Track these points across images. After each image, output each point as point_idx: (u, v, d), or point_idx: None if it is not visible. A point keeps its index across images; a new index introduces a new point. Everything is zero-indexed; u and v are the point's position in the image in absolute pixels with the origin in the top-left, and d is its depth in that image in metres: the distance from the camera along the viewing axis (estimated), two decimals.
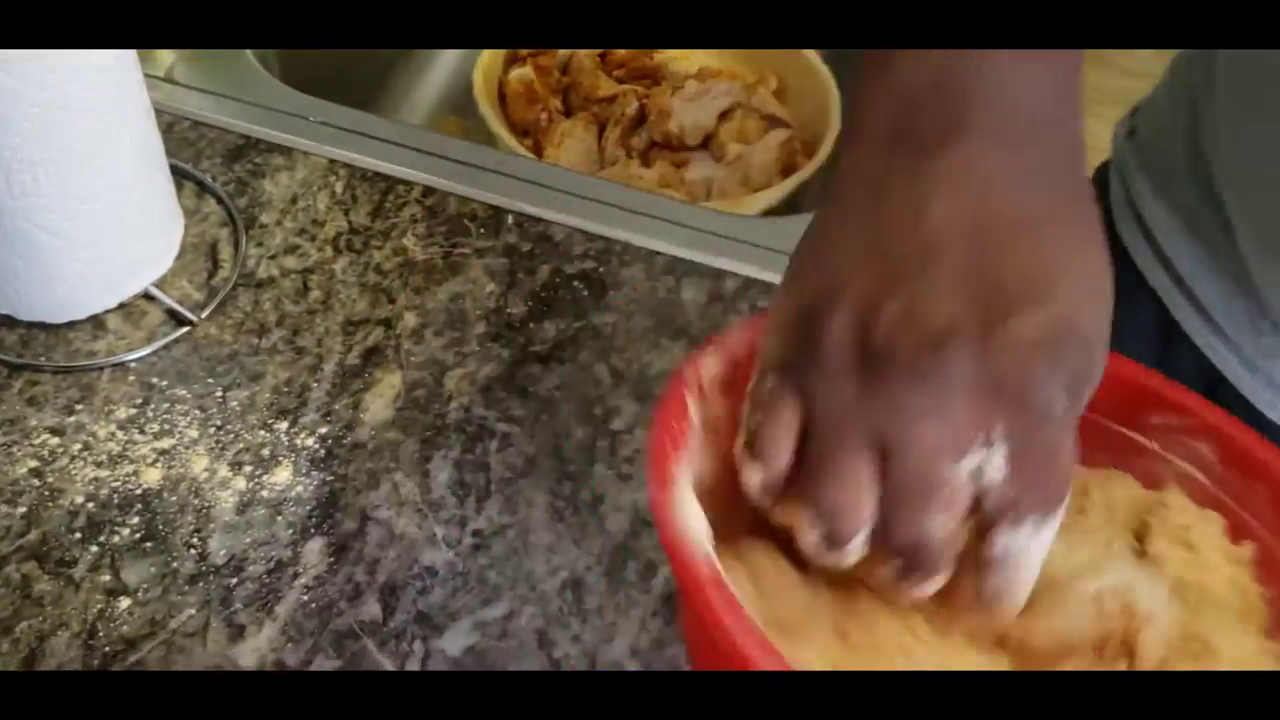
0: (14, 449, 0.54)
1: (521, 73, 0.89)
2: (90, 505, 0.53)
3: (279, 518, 0.53)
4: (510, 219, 0.67)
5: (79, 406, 0.56)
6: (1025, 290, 0.33)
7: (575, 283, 0.64)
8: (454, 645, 0.50)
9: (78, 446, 0.55)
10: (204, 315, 0.60)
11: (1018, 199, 0.34)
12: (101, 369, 0.58)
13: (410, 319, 0.61)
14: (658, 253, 0.66)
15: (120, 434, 0.55)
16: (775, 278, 0.65)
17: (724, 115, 0.88)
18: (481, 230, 0.66)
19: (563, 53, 0.91)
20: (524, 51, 0.90)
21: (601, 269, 0.65)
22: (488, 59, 0.87)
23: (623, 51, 0.92)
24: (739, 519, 0.40)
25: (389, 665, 0.49)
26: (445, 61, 0.97)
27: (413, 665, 0.50)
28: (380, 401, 0.58)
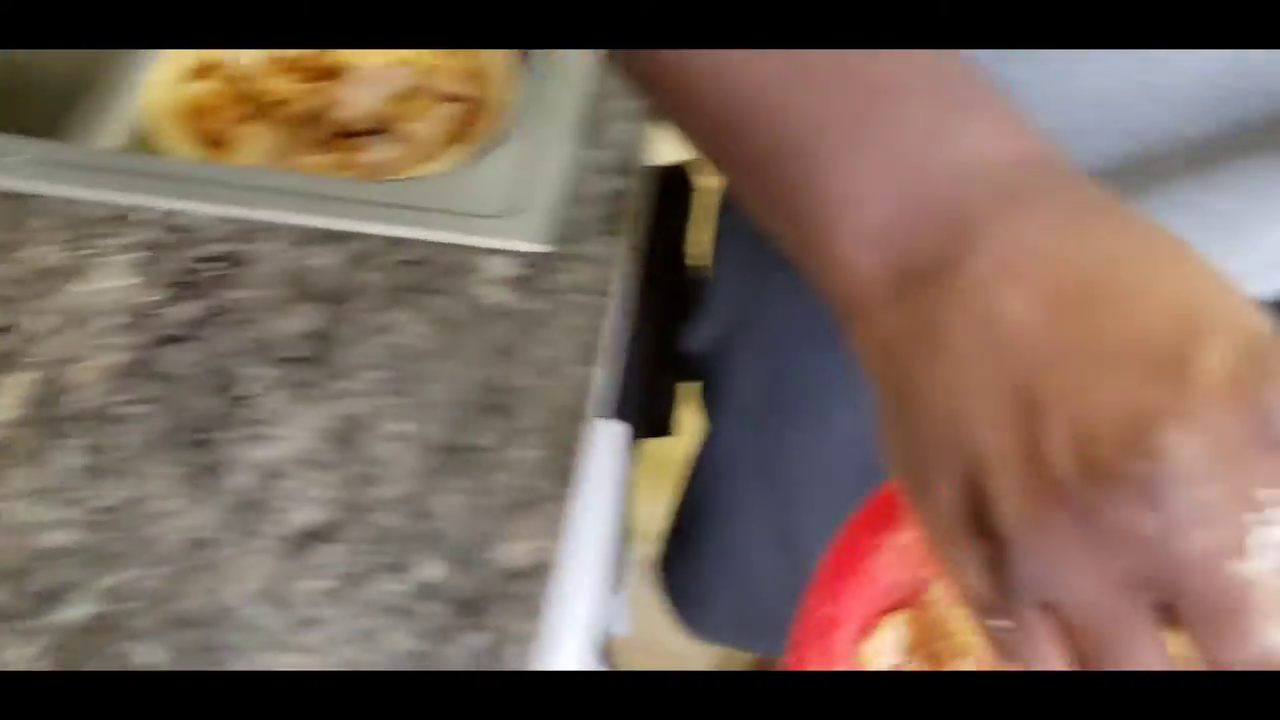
0: None
1: (201, 85, 0.90)
2: None
3: None
4: (147, 215, 0.68)
5: None
6: (1178, 328, 0.28)
7: (212, 265, 0.66)
8: (76, 613, 0.52)
9: None
10: None
11: (1082, 246, 0.30)
12: None
13: (41, 322, 0.63)
14: (294, 226, 0.68)
15: None
16: (408, 232, 0.68)
17: (401, 99, 0.90)
18: (118, 229, 0.67)
19: (242, 61, 0.93)
20: (201, 64, 0.91)
21: (239, 249, 0.67)
22: (164, 74, 0.89)
23: (302, 53, 0.94)
24: None
25: (9, 639, 0.51)
26: (138, 85, 0.98)
27: (38, 639, 0.51)
28: (7, 402, 0.59)
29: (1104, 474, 0.27)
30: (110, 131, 0.95)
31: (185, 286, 0.65)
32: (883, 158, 0.33)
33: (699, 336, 0.80)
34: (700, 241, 0.86)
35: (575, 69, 0.79)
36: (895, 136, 0.33)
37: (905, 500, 0.32)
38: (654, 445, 0.91)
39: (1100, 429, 0.27)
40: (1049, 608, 0.29)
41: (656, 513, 0.95)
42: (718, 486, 0.81)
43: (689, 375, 0.85)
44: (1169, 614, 0.28)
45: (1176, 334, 0.28)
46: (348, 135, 0.88)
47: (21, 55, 0.87)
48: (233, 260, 0.66)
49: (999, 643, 0.30)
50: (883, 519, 0.39)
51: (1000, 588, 0.29)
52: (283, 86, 0.90)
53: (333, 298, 0.65)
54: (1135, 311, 0.28)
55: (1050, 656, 0.29)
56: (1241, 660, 0.27)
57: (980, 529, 0.29)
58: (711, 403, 0.80)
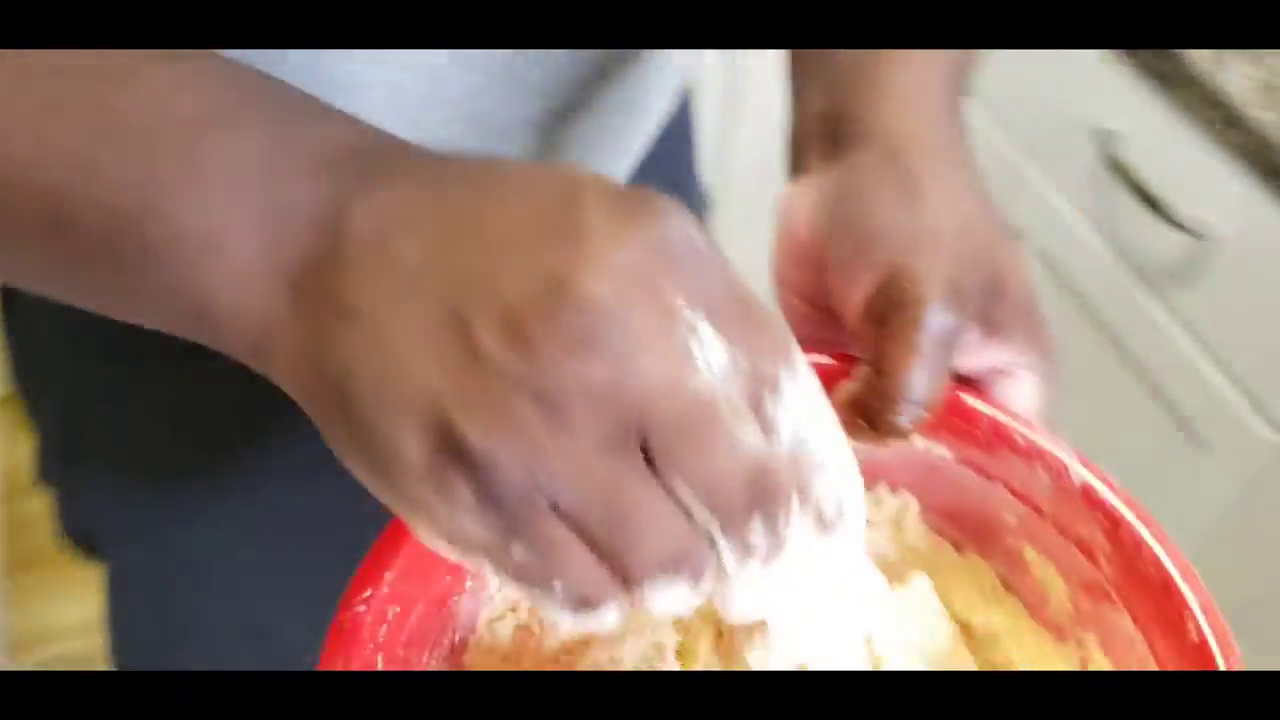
0: None
1: None
2: None
3: None
4: None
5: None
6: (557, 200, 0.29)
7: None
8: None
9: None
10: None
11: (455, 185, 0.30)
12: None
13: None
14: None
15: None
16: None
17: None
18: None
19: None
20: None
21: None
22: None
23: None
24: None
25: None
26: None
27: None
28: None
29: (539, 344, 0.27)
30: None
31: None
32: (229, 182, 0.31)
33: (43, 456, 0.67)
34: None
35: None
36: (236, 158, 0.31)
37: (376, 492, 0.30)
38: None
39: (521, 307, 0.27)
40: (555, 515, 0.28)
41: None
42: (144, 602, 0.66)
43: None
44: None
45: (557, 203, 0.28)
46: None
47: None
48: None
49: (522, 575, 0.29)
50: (373, 566, 0.37)
51: (500, 513, 0.28)
52: None
53: None
54: (516, 208, 0.29)
55: (577, 558, 0.28)
56: (730, 469, 0.28)
57: (460, 465, 0.28)
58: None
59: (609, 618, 0.29)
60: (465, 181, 0.30)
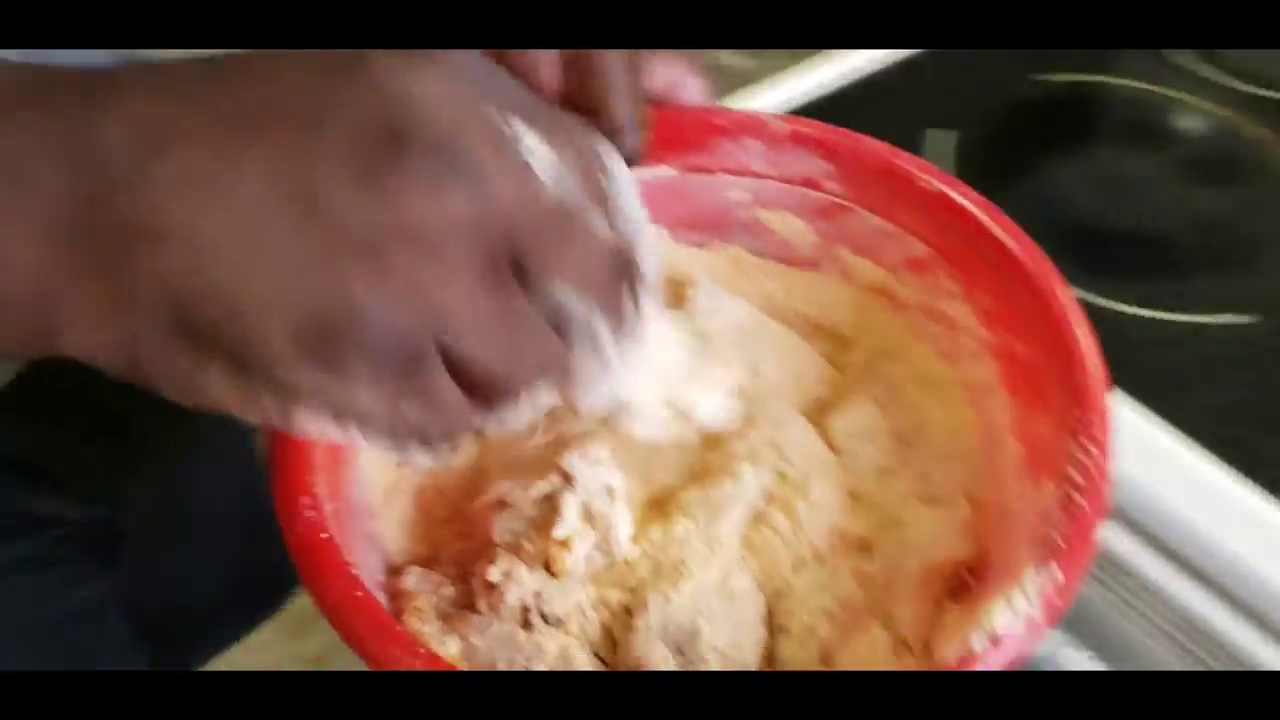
0: None
1: None
2: None
3: None
4: None
5: None
6: (333, 63, 0.28)
7: None
8: None
9: None
10: None
11: (193, 81, 0.29)
12: None
13: None
14: None
15: None
16: None
17: None
18: None
19: None
20: None
21: None
22: None
23: None
24: None
25: None
26: None
27: None
28: None
29: (396, 191, 0.27)
30: None
31: None
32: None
33: None
34: None
35: None
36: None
37: (242, 409, 0.29)
38: None
39: (364, 162, 0.27)
40: (441, 362, 0.29)
41: None
42: None
43: None
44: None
45: (336, 68, 0.28)
46: None
47: None
48: None
49: (412, 433, 0.29)
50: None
51: (394, 374, 0.28)
52: None
53: None
54: (292, 85, 0.28)
55: (460, 402, 0.29)
56: (598, 257, 0.30)
57: (346, 335, 0.27)
58: None
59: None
60: (207, 79, 0.29)
